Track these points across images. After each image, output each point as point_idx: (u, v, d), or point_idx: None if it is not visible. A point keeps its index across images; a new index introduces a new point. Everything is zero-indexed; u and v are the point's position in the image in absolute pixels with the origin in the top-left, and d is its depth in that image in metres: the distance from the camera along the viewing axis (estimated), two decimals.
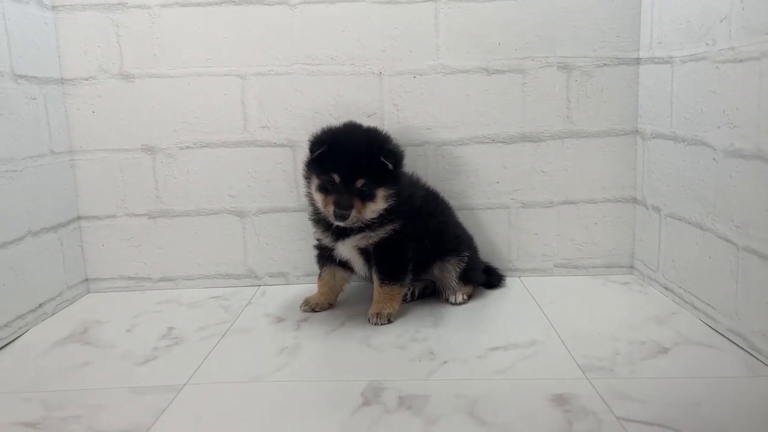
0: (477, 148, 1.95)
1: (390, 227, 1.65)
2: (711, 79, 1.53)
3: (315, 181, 1.63)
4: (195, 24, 1.88)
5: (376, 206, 1.60)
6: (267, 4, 1.87)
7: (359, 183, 1.57)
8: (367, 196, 1.58)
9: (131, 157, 1.94)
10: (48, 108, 1.81)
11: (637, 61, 1.89)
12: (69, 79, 1.89)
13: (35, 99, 1.75)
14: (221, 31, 1.89)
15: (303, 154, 1.83)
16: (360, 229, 1.64)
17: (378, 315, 1.65)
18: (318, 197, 1.62)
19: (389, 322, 1.65)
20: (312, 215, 1.74)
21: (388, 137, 1.68)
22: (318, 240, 1.76)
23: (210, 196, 1.97)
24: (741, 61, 1.40)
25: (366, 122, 1.80)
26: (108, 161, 1.94)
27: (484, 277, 1.88)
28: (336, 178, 1.58)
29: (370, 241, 1.66)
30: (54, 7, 1.85)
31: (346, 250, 1.69)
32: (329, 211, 1.58)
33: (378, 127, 1.73)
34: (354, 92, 1.92)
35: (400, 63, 1.90)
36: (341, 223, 1.59)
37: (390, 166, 1.58)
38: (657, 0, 1.78)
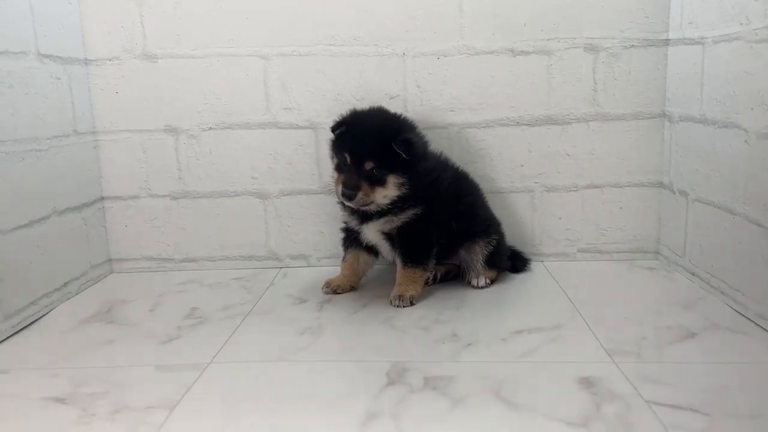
0: (501, 130, 1.92)
1: (412, 212, 1.64)
2: (744, 59, 1.49)
3: (334, 160, 1.65)
4: (218, 4, 1.87)
5: (387, 192, 1.59)
6: None
7: (368, 166, 1.57)
8: (377, 181, 1.58)
9: (154, 138, 1.94)
10: (72, 88, 1.81)
11: (666, 42, 1.85)
12: (93, 59, 1.89)
13: (59, 79, 1.75)
14: (244, 12, 1.87)
15: (325, 136, 1.83)
16: (383, 213, 1.64)
17: (400, 297, 1.64)
18: (334, 175, 1.65)
19: (411, 304, 1.64)
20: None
21: (410, 125, 1.66)
22: (345, 223, 1.76)
23: (232, 178, 1.97)
24: None
25: (389, 104, 1.79)
26: (131, 142, 1.94)
27: (510, 264, 1.87)
28: (347, 158, 1.59)
29: (394, 225, 1.65)
30: None
31: (371, 233, 1.69)
32: (338, 191, 1.60)
33: (403, 114, 1.70)
34: (377, 73, 1.90)
35: (424, 44, 1.88)
36: (348, 203, 1.60)
37: (404, 155, 1.55)
38: None
